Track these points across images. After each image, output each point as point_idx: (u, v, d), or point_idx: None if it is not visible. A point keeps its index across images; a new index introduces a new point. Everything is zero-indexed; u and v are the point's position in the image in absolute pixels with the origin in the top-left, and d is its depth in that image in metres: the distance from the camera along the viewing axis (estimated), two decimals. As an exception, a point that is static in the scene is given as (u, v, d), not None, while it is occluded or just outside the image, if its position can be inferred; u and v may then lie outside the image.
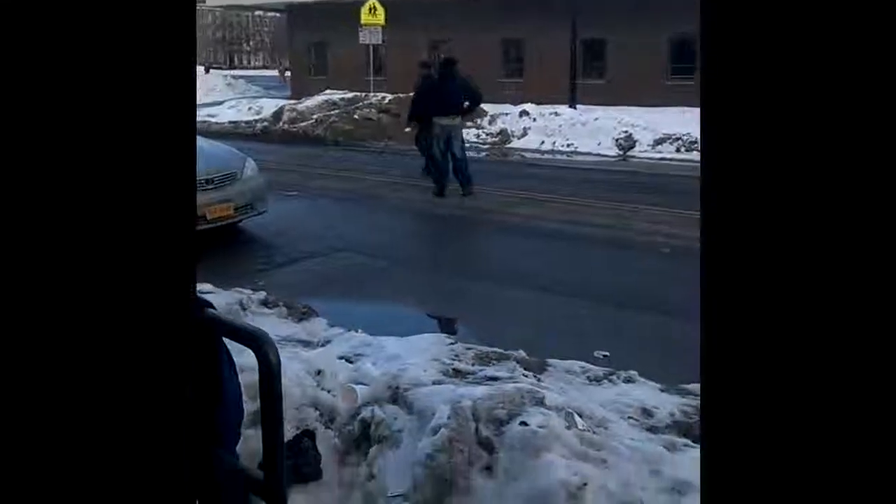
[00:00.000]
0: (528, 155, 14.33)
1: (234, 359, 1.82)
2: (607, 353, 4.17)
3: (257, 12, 55.07)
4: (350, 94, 18.61)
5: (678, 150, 13.88)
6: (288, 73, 31.49)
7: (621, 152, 14.35)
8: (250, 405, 2.03)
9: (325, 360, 3.29)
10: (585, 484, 2.28)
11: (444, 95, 9.37)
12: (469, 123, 16.86)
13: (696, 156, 13.46)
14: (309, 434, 2.78)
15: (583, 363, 3.41)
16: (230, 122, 18.39)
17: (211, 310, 1.69)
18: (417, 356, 3.35)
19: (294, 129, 16.76)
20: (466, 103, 9.45)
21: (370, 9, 18.59)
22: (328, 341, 3.79)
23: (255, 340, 1.56)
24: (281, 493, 1.60)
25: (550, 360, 3.43)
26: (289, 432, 2.75)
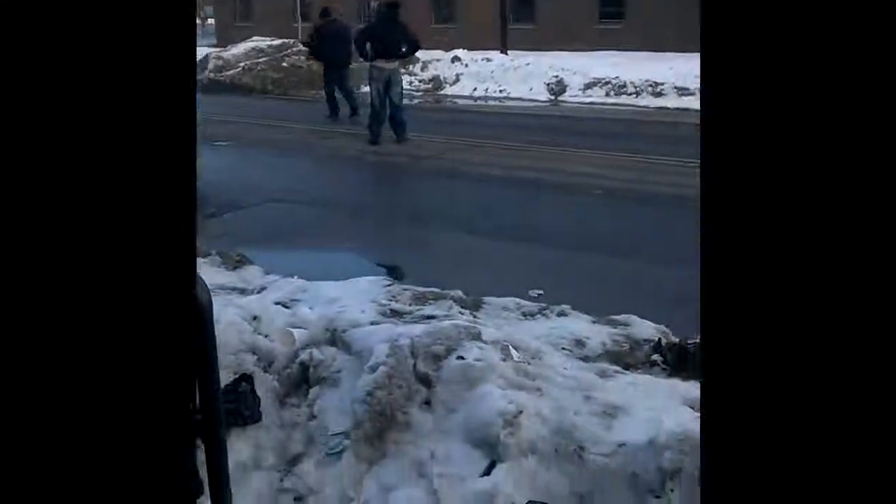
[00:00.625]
0: (460, 101, 14.28)
1: None
2: (541, 292, 4.25)
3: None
4: (278, 41, 18.11)
5: (607, 95, 14.04)
6: (210, 20, 30.52)
7: (553, 97, 14.43)
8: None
9: (262, 306, 3.27)
10: (521, 412, 2.36)
11: (385, 38, 9.12)
12: (401, 70, 16.70)
13: (624, 99, 13.68)
14: (247, 378, 2.78)
15: (518, 300, 3.49)
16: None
17: None
18: (354, 299, 3.37)
19: (221, 78, 16.27)
20: (404, 48, 9.28)
21: (295, -49, 18.04)
22: (264, 288, 3.76)
23: None
24: (219, 433, 1.61)
25: (486, 298, 3.49)
26: (227, 378, 2.74)
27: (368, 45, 9.32)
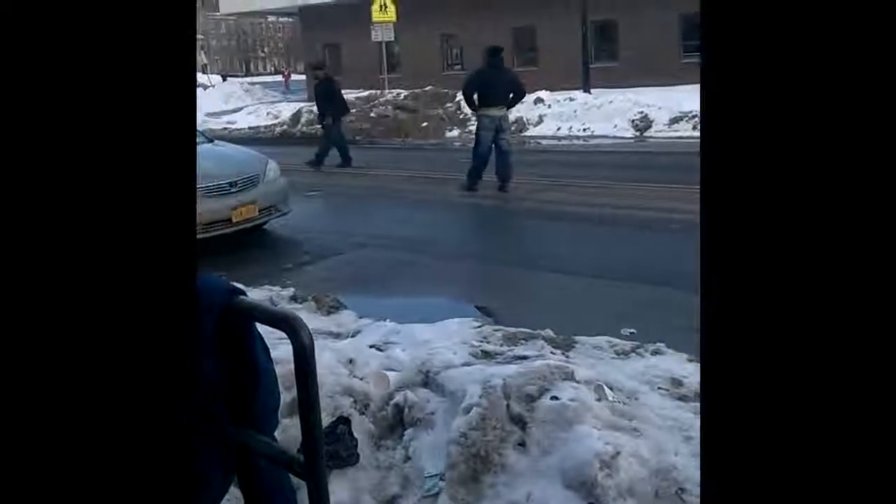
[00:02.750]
0: (544, 142, 14.31)
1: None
2: (633, 330, 4.18)
3: (270, 18, 55.46)
4: (365, 93, 18.71)
5: (695, 128, 13.78)
6: (292, 77, 31.96)
7: (638, 133, 14.29)
8: (285, 396, 2.09)
9: (356, 350, 3.34)
10: (618, 453, 2.32)
11: (494, 86, 8.97)
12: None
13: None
14: (344, 420, 2.84)
15: (610, 338, 3.44)
16: (249, 128, 18.59)
17: (243, 297, 1.74)
18: (446, 340, 3.40)
19: (313, 132, 16.86)
20: (512, 95, 9.12)
21: (381, 6, 18.65)
22: (358, 332, 3.85)
23: (288, 323, 1.60)
24: (321, 473, 1.64)
25: (577, 338, 3.46)
26: (324, 420, 2.81)
27: (476, 94, 9.13)
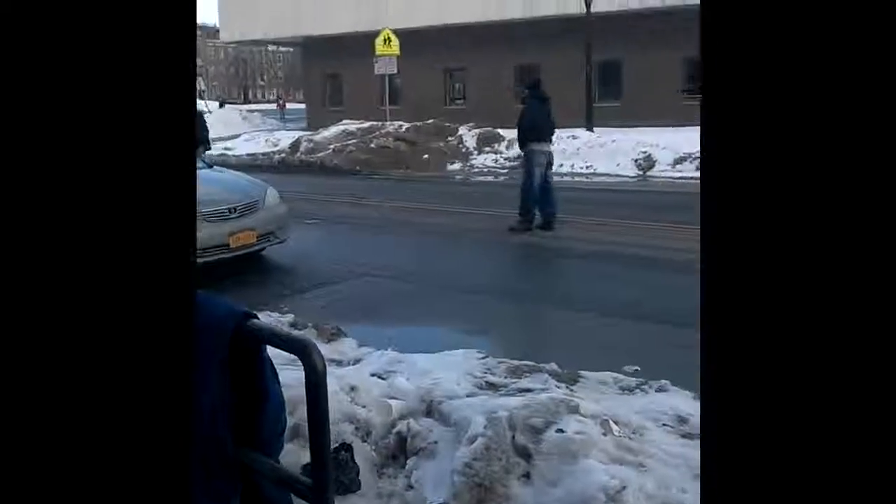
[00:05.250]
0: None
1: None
2: (637, 368, 4.16)
3: (270, 47, 56.06)
4: (366, 124, 18.84)
5: (698, 169, 13.89)
6: (287, 106, 32.63)
7: (641, 172, 14.38)
8: (289, 420, 2.07)
9: (359, 377, 3.32)
10: (625, 487, 2.29)
11: (544, 118, 8.75)
12: (486, 149, 17.04)
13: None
14: (346, 447, 2.80)
15: (615, 374, 3.43)
16: (248, 155, 18.68)
17: (255, 320, 1.73)
18: (449, 370, 3.38)
19: (311, 160, 16.96)
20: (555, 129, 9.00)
21: (385, 39, 18.88)
22: (359, 360, 3.82)
23: (302, 347, 1.59)
24: (330, 496, 1.62)
25: (582, 372, 3.44)
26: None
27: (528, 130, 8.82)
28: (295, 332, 4.15)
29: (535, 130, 8.68)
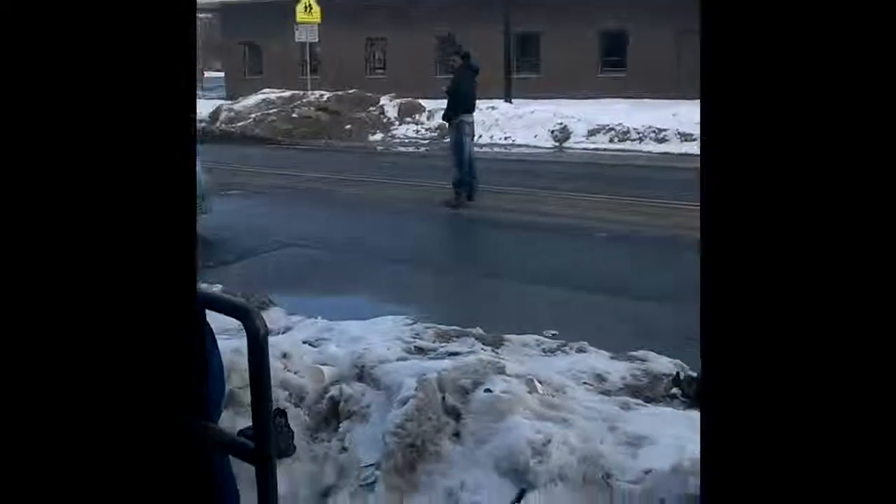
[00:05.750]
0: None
1: None
2: (556, 332, 4.34)
3: (186, 13, 54.14)
4: (288, 93, 18.52)
5: (611, 141, 14.31)
6: (205, 74, 31.58)
7: (557, 143, 14.69)
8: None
9: (290, 344, 3.37)
10: (549, 441, 2.44)
11: (473, 92, 8.75)
12: (408, 120, 17.05)
13: (628, 145, 13.94)
14: (281, 413, 2.87)
15: (537, 336, 3.58)
16: (165, 124, 18.13)
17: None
18: (379, 336, 3.47)
19: (232, 129, 16.61)
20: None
21: (305, 7, 18.54)
22: (289, 328, 3.87)
23: (242, 311, 1.64)
24: (271, 457, 1.69)
25: (506, 336, 3.59)
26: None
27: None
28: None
29: (468, 101, 8.68)
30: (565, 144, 14.59)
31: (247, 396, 2.83)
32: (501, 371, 2.86)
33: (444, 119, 9.00)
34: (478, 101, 9.26)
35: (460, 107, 8.61)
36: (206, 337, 1.86)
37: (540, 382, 2.85)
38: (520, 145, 14.67)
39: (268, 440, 1.68)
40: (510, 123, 15.59)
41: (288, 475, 2.74)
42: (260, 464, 1.68)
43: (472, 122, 8.85)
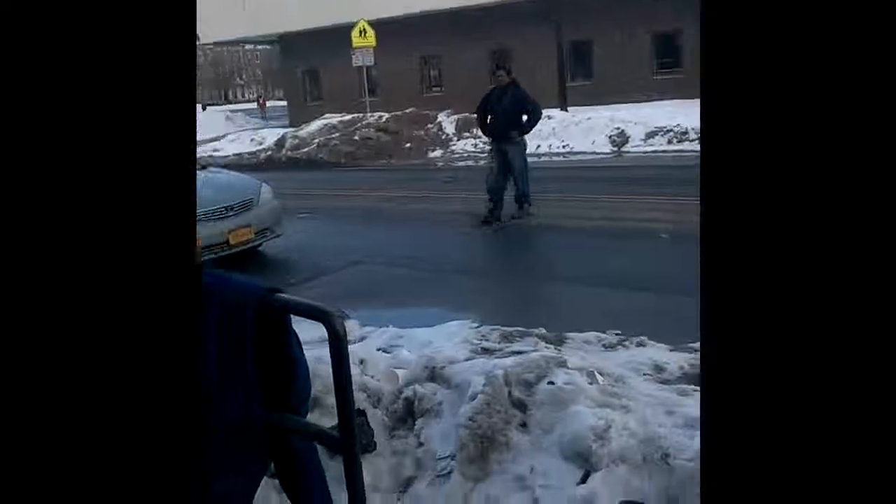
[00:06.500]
0: (525, 159, 14.72)
1: None
2: (619, 332, 4.48)
3: (247, 46, 55.83)
4: (348, 117, 19.07)
5: (669, 142, 14.28)
6: (266, 103, 32.51)
7: (615, 148, 14.73)
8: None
9: (366, 352, 3.63)
10: (610, 426, 2.62)
11: None
12: (465, 135, 17.33)
13: (686, 146, 13.88)
14: (361, 413, 3.12)
15: (598, 334, 3.75)
16: (234, 154, 18.91)
17: (279, 294, 1.95)
18: (447, 340, 3.70)
19: (297, 156, 17.20)
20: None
21: (360, 31, 19.07)
22: (364, 338, 4.13)
23: (324, 314, 1.84)
24: (356, 446, 1.88)
25: (568, 334, 3.77)
26: (342, 414, 3.08)
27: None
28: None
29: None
30: (623, 149, 14.62)
31: (328, 399, 3.10)
32: (563, 365, 3.05)
33: (521, 135, 8.58)
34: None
35: (519, 123, 8.55)
36: (292, 339, 2.05)
37: (600, 374, 3.02)
38: (578, 153, 14.77)
39: (352, 429, 1.87)
40: (567, 131, 15.70)
41: (371, 469, 2.99)
42: (345, 452, 1.87)
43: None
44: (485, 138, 9.86)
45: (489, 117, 8.49)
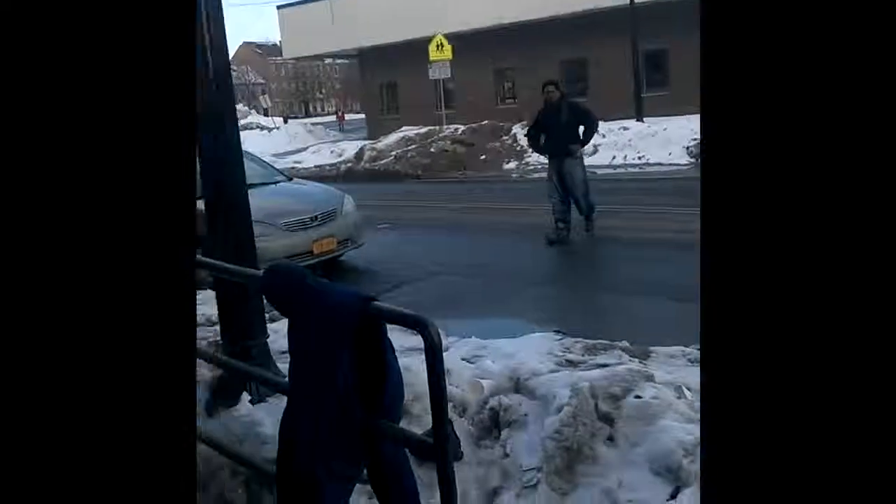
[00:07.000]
0: (600, 171, 14.53)
1: None
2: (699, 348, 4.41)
3: (327, 60, 57.17)
4: (424, 129, 19.31)
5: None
6: (345, 116, 33.33)
7: (693, 159, 14.46)
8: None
9: (450, 362, 3.68)
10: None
11: None
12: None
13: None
14: (448, 422, 3.17)
15: (683, 348, 3.72)
16: (315, 166, 19.37)
17: (377, 302, 1.95)
18: (531, 352, 3.72)
19: (376, 168, 17.49)
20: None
21: (437, 45, 19.32)
22: (447, 348, 4.19)
23: (420, 323, 1.89)
24: (450, 450, 1.92)
25: (653, 348, 3.74)
26: (428, 424, 3.14)
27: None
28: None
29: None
30: (702, 159, 14.35)
31: (415, 408, 3.16)
32: (650, 379, 3.04)
33: (582, 146, 8.57)
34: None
35: (578, 136, 8.38)
36: (388, 345, 2.11)
37: (688, 388, 3.00)
38: (654, 164, 14.57)
39: (446, 434, 1.90)
40: (643, 142, 15.51)
41: (458, 478, 3.00)
42: (438, 457, 1.91)
43: None
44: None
45: (544, 136, 8.38)
